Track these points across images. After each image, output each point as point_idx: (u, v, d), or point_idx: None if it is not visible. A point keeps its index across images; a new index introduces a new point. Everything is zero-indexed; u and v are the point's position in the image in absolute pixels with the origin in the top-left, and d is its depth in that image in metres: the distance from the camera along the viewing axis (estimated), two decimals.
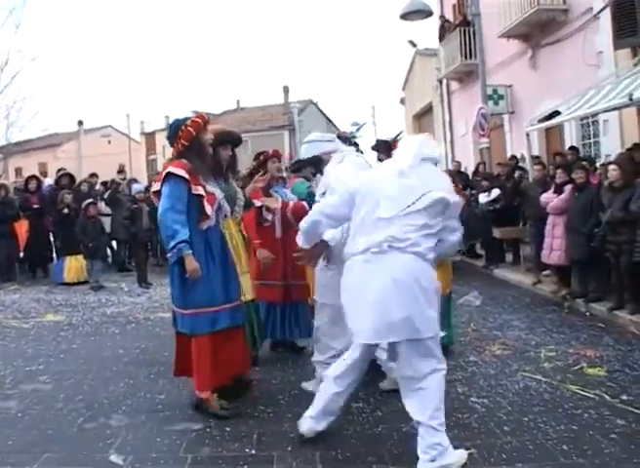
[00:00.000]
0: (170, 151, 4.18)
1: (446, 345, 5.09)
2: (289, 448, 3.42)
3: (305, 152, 4.27)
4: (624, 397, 4.07)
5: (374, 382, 4.40)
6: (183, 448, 3.49)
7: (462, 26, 14.66)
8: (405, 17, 10.50)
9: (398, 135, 4.80)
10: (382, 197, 3.22)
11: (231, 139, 4.44)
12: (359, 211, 3.33)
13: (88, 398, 4.38)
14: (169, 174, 3.83)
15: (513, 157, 11.37)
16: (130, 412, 4.08)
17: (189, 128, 3.90)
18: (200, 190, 3.84)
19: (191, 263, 3.74)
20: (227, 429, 3.73)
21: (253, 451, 3.41)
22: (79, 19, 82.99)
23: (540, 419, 3.72)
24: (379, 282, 3.10)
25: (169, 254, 3.81)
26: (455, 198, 3.28)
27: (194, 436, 3.66)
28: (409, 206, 3.14)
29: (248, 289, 4.57)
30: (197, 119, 3.97)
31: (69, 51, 66.86)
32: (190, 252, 3.75)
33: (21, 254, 11.04)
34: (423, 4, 10.50)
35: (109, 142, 40.95)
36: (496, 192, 9.59)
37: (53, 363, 5.36)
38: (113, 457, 3.36)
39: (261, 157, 5.27)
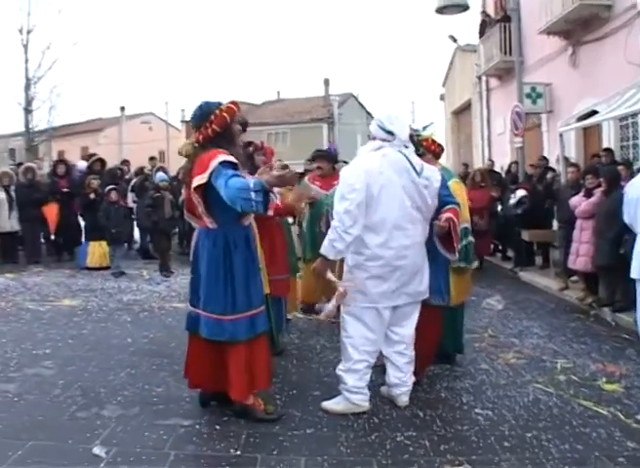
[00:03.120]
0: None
1: (451, 353, 4.92)
2: (275, 452, 3.31)
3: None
4: None
5: (375, 387, 4.26)
6: (169, 443, 3.41)
7: (503, 22, 14.25)
8: (441, 11, 10.22)
9: (427, 125, 4.59)
10: None
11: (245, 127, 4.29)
12: None
13: (86, 386, 4.35)
14: (225, 162, 3.42)
15: (544, 158, 11.00)
16: (124, 403, 4.02)
17: (224, 113, 3.59)
18: None
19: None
20: (217, 427, 3.64)
21: (238, 452, 3.30)
22: (122, 6, 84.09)
23: (545, 436, 3.51)
24: None
25: (256, 200, 3.18)
26: None
27: (182, 432, 3.57)
28: None
29: (265, 283, 4.40)
30: (232, 105, 3.66)
31: (113, 37, 68.32)
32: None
33: (52, 237, 11.22)
34: None
35: (150, 129, 41.40)
36: (520, 194, 9.27)
37: (60, 348, 5.35)
38: (96, 449, 3.29)
39: (250, 149, 5.04)
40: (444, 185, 4.08)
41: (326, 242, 3.77)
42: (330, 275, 3.85)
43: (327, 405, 3.95)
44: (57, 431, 3.55)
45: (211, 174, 3.41)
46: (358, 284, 3.78)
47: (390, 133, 3.84)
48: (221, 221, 3.62)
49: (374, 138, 3.95)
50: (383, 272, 3.76)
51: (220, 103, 3.66)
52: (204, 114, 3.62)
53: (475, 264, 4.92)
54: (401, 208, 3.78)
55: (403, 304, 3.89)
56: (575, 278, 7.93)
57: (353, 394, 3.87)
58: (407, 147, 3.92)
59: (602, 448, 3.36)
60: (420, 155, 4.15)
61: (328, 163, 6.43)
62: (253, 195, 3.17)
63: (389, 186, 3.72)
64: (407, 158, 3.86)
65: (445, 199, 4.01)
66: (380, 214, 3.72)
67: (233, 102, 3.71)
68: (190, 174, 3.62)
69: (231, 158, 3.48)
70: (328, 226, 5.98)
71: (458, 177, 5.21)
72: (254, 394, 3.77)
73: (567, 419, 3.78)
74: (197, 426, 3.65)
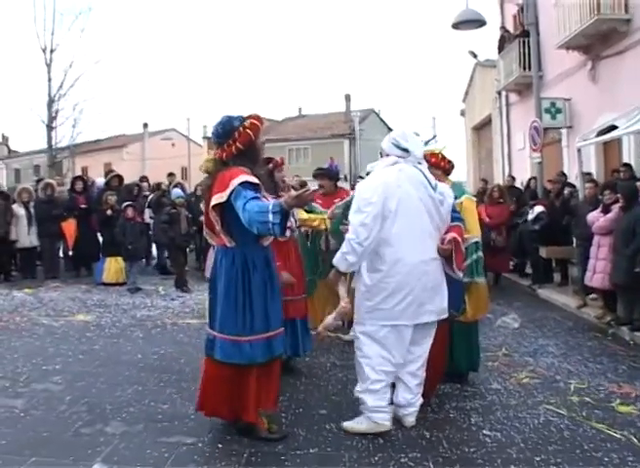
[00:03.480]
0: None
1: (464, 372, 4.83)
2: None
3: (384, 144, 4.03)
4: None
5: None
6: (170, 462, 3.39)
7: (522, 37, 14.17)
8: (457, 26, 10.17)
9: (430, 139, 4.56)
10: None
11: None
12: None
13: (92, 402, 4.36)
14: (245, 183, 3.36)
15: (562, 173, 10.85)
16: (129, 420, 4.02)
17: (248, 130, 3.51)
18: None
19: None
20: (220, 446, 3.61)
21: None
22: (145, 23, 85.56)
23: (554, 460, 3.40)
24: None
25: (274, 222, 3.13)
26: None
27: (184, 450, 3.54)
28: None
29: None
30: (255, 121, 3.56)
31: (135, 54, 69.45)
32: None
33: (70, 253, 11.34)
34: (476, 13, 10.14)
35: (173, 145, 41.92)
36: (538, 210, 9.14)
37: (70, 363, 5.38)
38: (96, 467, 3.28)
39: (271, 165, 4.94)
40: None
41: (339, 254, 3.75)
42: (341, 288, 3.83)
43: (349, 425, 3.86)
44: (59, 447, 3.56)
45: (231, 193, 3.35)
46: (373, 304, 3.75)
47: (405, 150, 3.84)
48: (240, 241, 3.55)
49: (387, 155, 3.93)
50: (403, 287, 3.69)
51: (242, 118, 3.58)
52: (227, 131, 3.54)
53: (482, 279, 4.81)
54: (420, 222, 3.75)
55: (426, 322, 3.82)
56: (593, 295, 7.77)
57: (375, 413, 3.78)
58: (421, 163, 3.91)
59: None
60: None
61: (329, 180, 6.34)
62: (270, 217, 3.11)
63: (407, 200, 3.70)
64: (422, 173, 3.85)
65: (451, 215, 3.97)
66: (398, 228, 3.68)
67: (256, 118, 3.60)
68: (210, 191, 3.54)
69: (252, 178, 3.41)
70: (327, 246, 6.02)
71: (470, 194, 5.14)
72: (259, 413, 3.72)
73: (578, 442, 3.66)
74: (200, 444, 3.62)
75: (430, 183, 3.83)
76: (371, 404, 3.78)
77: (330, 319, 3.82)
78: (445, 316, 3.93)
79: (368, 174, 5.36)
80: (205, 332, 3.82)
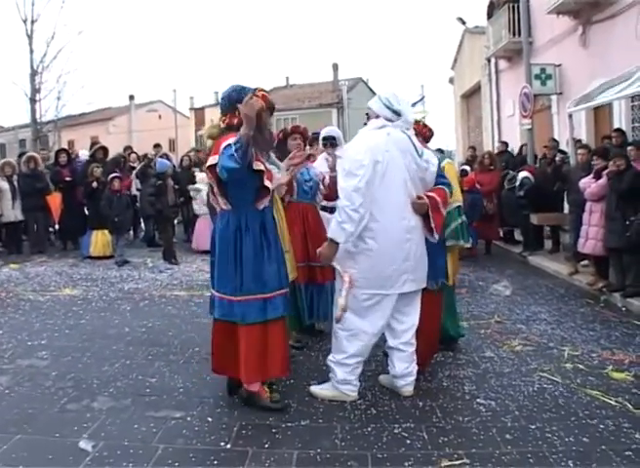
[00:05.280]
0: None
1: (453, 338, 4.78)
2: (266, 445, 3.19)
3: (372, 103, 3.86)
4: None
5: (374, 376, 4.14)
6: (158, 437, 3.30)
7: (511, 3, 13.92)
8: None
9: (418, 101, 4.43)
10: None
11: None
12: None
13: (79, 377, 4.27)
14: (228, 145, 3.38)
15: (554, 140, 10.74)
16: (116, 395, 3.93)
17: (261, 99, 3.54)
18: (260, 165, 3.48)
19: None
20: (209, 419, 3.54)
21: (228, 446, 3.19)
22: None
23: (549, 428, 3.35)
24: None
25: (236, 150, 3.25)
26: None
27: (173, 424, 3.47)
28: None
29: (292, 269, 4.23)
30: (266, 94, 3.63)
31: (119, 25, 67.76)
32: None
33: (57, 227, 11.17)
34: None
35: (160, 117, 41.37)
36: (521, 175, 9.04)
37: (56, 338, 5.28)
38: (82, 443, 3.20)
39: (280, 134, 4.95)
40: (438, 169, 3.92)
41: (333, 224, 3.60)
42: (336, 263, 3.69)
43: (315, 389, 3.87)
44: (45, 424, 3.47)
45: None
46: (357, 272, 3.63)
47: (397, 112, 3.69)
48: (235, 203, 3.58)
49: (376, 117, 3.78)
50: (385, 256, 3.59)
51: (254, 89, 3.61)
52: (240, 98, 3.48)
53: (468, 244, 4.72)
54: (403, 188, 3.64)
55: (409, 291, 3.73)
56: (585, 262, 7.74)
57: (342, 385, 3.77)
58: (409, 129, 3.78)
59: (609, 441, 3.19)
60: None
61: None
62: (233, 148, 3.24)
63: (393, 165, 3.58)
64: (409, 139, 3.72)
65: (436, 180, 3.86)
66: (382, 193, 3.56)
67: (263, 90, 3.65)
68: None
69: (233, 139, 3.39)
70: None
71: (450, 159, 5.02)
72: (263, 381, 3.68)
73: (573, 410, 3.62)
74: (189, 418, 3.54)
75: (417, 150, 3.71)
76: (340, 376, 3.76)
77: (341, 300, 3.64)
78: (424, 285, 3.85)
79: (324, 139, 5.21)
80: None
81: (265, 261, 3.57)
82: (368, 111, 3.91)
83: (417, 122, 4.43)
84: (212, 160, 3.50)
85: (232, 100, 3.58)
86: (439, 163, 4.03)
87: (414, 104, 4.39)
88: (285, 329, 3.78)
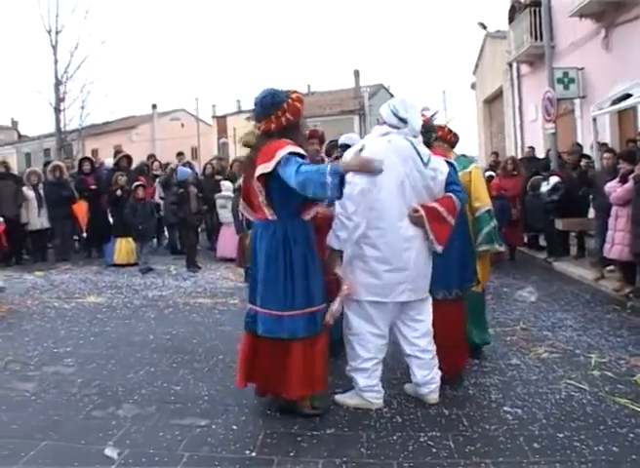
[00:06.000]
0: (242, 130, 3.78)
1: (478, 346, 4.72)
2: (292, 453, 3.17)
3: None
4: None
5: (400, 384, 4.11)
6: (183, 445, 3.30)
7: (533, 6, 13.82)
8: None
9: (433, 115, 4.38)
10: None
11: None
12: None
13: (104, 384, 4.29)
14: (292, 154, 3.30)
15: (577, 144, 10.61)
16: (141, 402, 3.95)
17: (297, 103, 3.46)
18: None
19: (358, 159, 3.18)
20: (234, 428, 3.53)
21: (253, 454, 3.18)
22: (150, 4, 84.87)
23: (578, 437, 3.29)
24: None
25: (333, 183, 3.05)
26: None
27: (198, 432, 3.47)
28: None
29: None
30: (301, 96, 3.54)
31: (142, 35, 68.68)
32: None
33: (84, 235, 11.31)
34: None
35: (182, 125, 41.84)
36: (554, 180, 8.93)
37: (81, 345, 5.32)
38: (108, 451, 3.21)
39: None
40: (452, 177, 3.83)
41: (330, 232, 3.61)
42: (339, 271, 3.68)
43: (340, 398, 3.85)
44: (71, 431, 3.50)
45: (277, 163, 3.30)
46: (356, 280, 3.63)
47: (403, 120, 3.67)
48: (282, 214, 3.49)
49: (383, 123, 3.78)
50: (385, 262, 3.58)
51: (290, 92, 3.53)
52: (276, 102, 3.45)
53: (502, 248, 4.68)
54: (401, 196, 3.59)
55: (407, 301, 3.71)
56: (611, 268, 7.62)
57: (366, 392, 3.75)
58: (416, 137, 3.73)
59: (639, 451, 3.13)
60: (429, 142, 3.96)
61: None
62: (329, 179, 3.03)
63: (391, 172, 3.51)
64: (414, 146, 3.67)
65: (448, 187, 3.78)
66: (379, 202, 3.54)
67: (300, 93, 3.59)
68: (252, 163, 3.50)
69: (299, 149, 3.37)
70: None
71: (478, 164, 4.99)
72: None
73: (601, 418, 3.55)
74: (214, 426, 3.54)
75: (422, 158, 3.66)
76: (362, 383, 3.75)
77: (335, 306, 3.64)
78: (425, 295, 3.80)
79: (342, 146, 5.12)
80: (247, 309, 3.71)
81: (313, 274, 3.51)
82: (378, 117, 3.91)
83: (441, 127, 4.41)
84: (263, 168, 3.37)
85: (266, 106, 3.48)
86: (464, 168, 4.00)
87: (432, 116, 4.33)
88: (328, 342, 3.70)
